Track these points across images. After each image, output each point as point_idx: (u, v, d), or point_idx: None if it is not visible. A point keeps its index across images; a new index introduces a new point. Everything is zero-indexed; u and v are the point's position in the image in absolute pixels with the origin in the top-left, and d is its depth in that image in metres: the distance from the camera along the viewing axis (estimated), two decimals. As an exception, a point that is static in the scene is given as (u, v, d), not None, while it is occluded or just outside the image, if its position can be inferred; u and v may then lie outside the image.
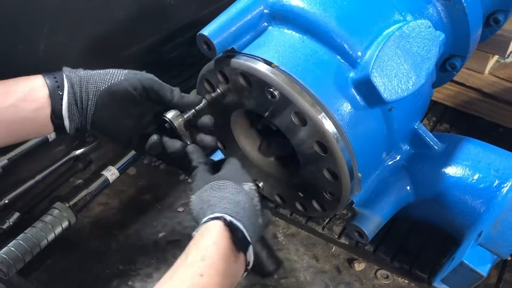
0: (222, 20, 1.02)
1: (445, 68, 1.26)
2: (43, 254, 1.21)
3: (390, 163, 1.16)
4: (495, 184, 1.05)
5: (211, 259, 0.83)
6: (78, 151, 1.48)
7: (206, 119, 1.08)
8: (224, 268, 0.84)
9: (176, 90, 1.04)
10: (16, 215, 1.26)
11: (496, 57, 1.64)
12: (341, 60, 1.01)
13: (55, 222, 1.22)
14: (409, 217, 1.23)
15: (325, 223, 1.30)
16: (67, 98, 0.95)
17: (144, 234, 1.29)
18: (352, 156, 0.99)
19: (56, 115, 0.95)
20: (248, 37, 1.05)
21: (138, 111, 1.03)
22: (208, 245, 0.84)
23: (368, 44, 1.00)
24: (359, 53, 1.00)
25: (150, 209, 1.36)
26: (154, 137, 1.05)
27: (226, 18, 1.02)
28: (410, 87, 0.97)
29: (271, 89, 0.97)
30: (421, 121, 1.16)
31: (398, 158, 1.16)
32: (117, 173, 1.41)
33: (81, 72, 0.99)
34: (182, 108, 1.05)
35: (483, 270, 0.97)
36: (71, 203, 1.28)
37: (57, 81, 0.95)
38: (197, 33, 1.01)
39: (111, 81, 0.98)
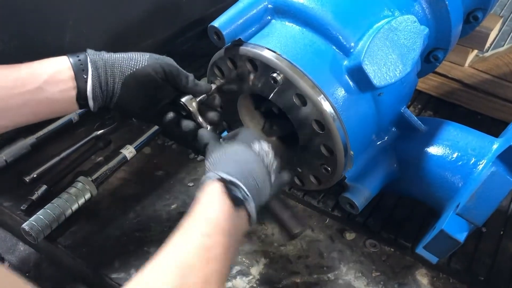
0: (231, 13, 1.04)
1: (429, 59, 1.28)
2: (68, 222, 1.23)
3: (379, 143, 1.18)
4: (472, 161, 1.07)
5: (216, 221, 0.82)
6: (99, 132, 1.49)
7: (215, 101, 1.13)
8: (225, 225, 0.83)
9: (191, 76, 1.06)
10: (44, 187, 1.27)
11: (475, 51, 1.65)
12: (336, 50, 1.03)
13: (79, 194, 1.24)
14: (395, 192, 1.26)
15: (320, 197, 1.33)
16: (91, 81, 0.95)
17: (158, 205, 1.31)
18: (346, 135, 1.02)
19: (81, 96, 0.95)
20: (253, 29, 1.07)
21: (158, 93, 1.04)
22: (211, 204, 0.85)
23: (360, 36, 1.03)
24: (352, 44, 1.02)
25: (163, 184, 1.37)
26: (171, 114, 1.07)
27: (234, 12, 1.04)
28: (398, 75, 0.99)
29: (275, 73, 0.99)
30: (408, 108, 1.17)
31: (386, 138, 1.18)
32: (134, 152, 1.42)
33: (105, 55, 0.98)
34: (194, 93, 1.07)
35: (460, 237, 0.99)
36: (93, 177, 1.29)
37: (81, 64, 0.95)
38: (209, 25, 1.03)
39: (136, 66, 0.98)
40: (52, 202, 1.21)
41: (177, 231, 0.82)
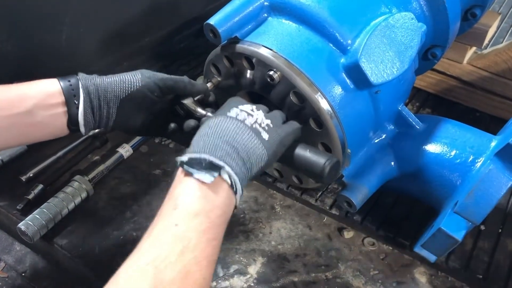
0: (227, 11, 1.04)
1: (427, 57, 1.27)
2: (64, 221, 1.22)
3: (376, 141, 1.17)
4: (470, 159, 1.07)
5: (182, 206, 0.76)
6: (96, 131, 1.49)
7: (210, 98, 1.10)
8: (196, 206, 0.76)
9: (186, 79, 1.04)
10: (40, 186, 1.27)
11: (474, 48, 1.65)
12: (333, 47, 1.03)
13: (75, 193, 1.23)
14: (393, 190, 1.25)
15: (318, 195, 1.32)
16: (83, 107, 0.92)
17: (155, 204, 1.30)
18: (343, 132, 1.01)
19: (72, 122, 0.93)
20: (249, 26, 1.07)
21: (156, 109, 1.02)
22: (177, 191, 0.78)
23: (357, 33, 1.02)
24: (349, 41, 1.02)
25: (160, 183, 1.36)
26: (172, 125, 1.05)
27: (230, 9, 1.04)
28: (395, 72, 0.99)
29: (272, 71, 0.99)
30: (406, 106, 1.17)
31: (383, 136, 1.17)
32: (130, 150, 1.42)
33: (97, 79, 0.95)
34: (193, 94, 1.06)
35: (458, 235, 0.99)
36: (90, 176, 1.29)
37: (73, 89, 0.92)
38: (204, 23, 1.02)
39: (130, 89, 0.96)
40: (48, 201, 1.20)
41: (150, 225, 0.78)
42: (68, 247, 1.19)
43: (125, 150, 1.41)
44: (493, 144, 1.07)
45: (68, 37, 1.43)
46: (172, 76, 1.02)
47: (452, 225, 1.00)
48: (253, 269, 1.16)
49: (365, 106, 1.06)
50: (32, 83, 0.92)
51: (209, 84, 1.13)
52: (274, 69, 0.99)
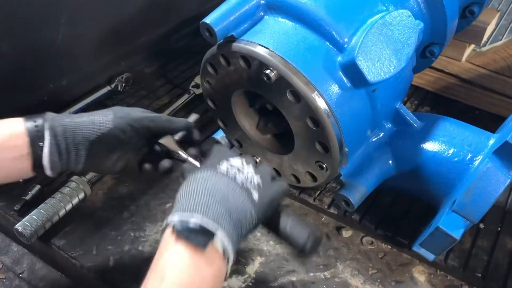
0: (223, 9, 1.03)
1: (425, 54, 1.27)
2: (62, 222, 1.22)
3: (374, 139, 1.16)
4: (468, 157, 1.07)
5: (170, 277, 0.71)
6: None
7: (195, 135, 1.02)
8: (189, 280, 0.71)
9: (164, 116, 0.99)
10: (37, 187, 1.27)
11: (472, 46, 1.64)
12: (330, 45, 1.02)
13: (73, 194, 1.23)
14: (392, 189, 1.25)
15: (316, 195, 1.32)
16: (49, 149, 0.86)
17: (152, 204, 1.30)
18: (341, 131, 1.01)
19: (36, 164, 0.87)
20: (246, 25, 1.06)
21: (128, 147, 0.96)
22: (165, 259, 0.73)
23: (354, 31, 1.02)
24: (346, 39, 1.01)
25: (157, 183, 1.36)
26: (146, 166, 1.00)
27: (226, 8, 1.03)
28: (392, 70, 0.98)
29: (268, 70, 0.98)
30: (404, 104, 1.16)
31: (381, 135, 1.17)
32: (128, 150, 1.42)
33: (65, 119, 0.89)
34: (172, 132, 0.99)
35: (457, 234, 0.99)
36: (87, 177, 1.28)
37: (38, 130, 0.86)
38: (200, 21, 1.02)
39: (101, 130, 0.90)
40: (45, 202, 1.20)
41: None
42: (66, 247, 1.19)
43: (122, 150, 1.40)
44: (491, 142, 1.07)
45: (64, 36, 1.42)
46: (148, 115, 0.97)
47: (450, 223, 1.00)
48: (251, 269, 1.16)
49: (362, 104, 1.06)
50: None
51: (193, 117, 1.09)
52: (271, 68, 0.99)
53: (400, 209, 1.29)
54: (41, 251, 1.24)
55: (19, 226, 1.14)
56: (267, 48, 1.00)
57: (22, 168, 0.87)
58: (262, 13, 1.07)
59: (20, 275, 1.18)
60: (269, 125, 1.22)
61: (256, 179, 0.83)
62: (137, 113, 0.96)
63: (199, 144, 1.02)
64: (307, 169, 1.15)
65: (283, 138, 1.21)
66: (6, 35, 1.27)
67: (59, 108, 1.53)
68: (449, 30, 1.22)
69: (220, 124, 1.28)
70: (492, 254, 1.19)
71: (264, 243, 1.21)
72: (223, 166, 0.83)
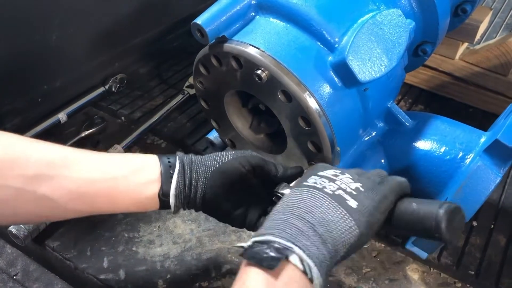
0: (214, 10, 1.03)
1: (417, 53, 1.27)
2: (56, 223, 1.23)
3: (366, 138, 1.17)
4: (459, 156, 1.07)
5: None
6: (87, 132, 1.49)
7: None
8: None
9: (279, 165, 0.97)
10: (32, 189, 1.26)
11: (466, 44, 1.65)
12: (321, 45, 1.02)
13: (67, 195, 1.23)
14: (385, 187, 1.25)
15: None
16: (177, 177, 0.89)
17: (147, 205, 1.30)
18: (332, 131, 1.01)
19: (164, 192, 0.88)
20: (237, 25, 1.06)
21: (246, 188, 0.94)
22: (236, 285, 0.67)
23: (344, 31, 1.02)
24: (337, 39, 1.01)
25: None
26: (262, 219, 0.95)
27: (217, 9, 1.03)
28: (383, 69, 0.98)
29: (260, 70, 0.99)
30: (398, 103, 1.17)
31: (373, 134, 1.17)
32: (122, 151, 1.42)
33: (193, 156, 0.93)
34: (286, 180, 0.97)
35: (448, 232, 0.99)
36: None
37: (169, 162, 0.90)
38: (192, 22, 1.02)
39: (221, 161, 0.92)
40: (39, 203, 1.19)
41: None
42: (60, 249, 1.20)
43: (116, 151, 1.40)
44: (482, 140, 1.07)
45: (57, 38, 1.42)
46: (264, 158, 0.96)
47: (442, 222, 1.00)
48: (245, 269, 1.16)
49: (353, 104, 1.06)
50: (134, 154, 0.92)
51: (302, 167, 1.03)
52: (262, 68, 0.99)
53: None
54: (35, 252, 1.24)
55: (13, 228, 1.14)
56: (258, 49, 1.00)
57: (148, 196, 0.88)
58: (253, 14, 1.08)
59: (14, 277, 1.19)
60: (262, 124, 1.22)
61: (354, 185, 0.76)
62: (253, 153, 0.96)
63: None
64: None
65: (276, 137, 1.21)
66: (-1, 37, 1.28)
67: (53, 109, 1.54)
68: (441, 28, 1.22)
69: (214, 124, 1.29)
70: (485, 252, 1.19)
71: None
72: (311, 180, 0.78)
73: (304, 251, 0.66)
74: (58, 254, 1.19)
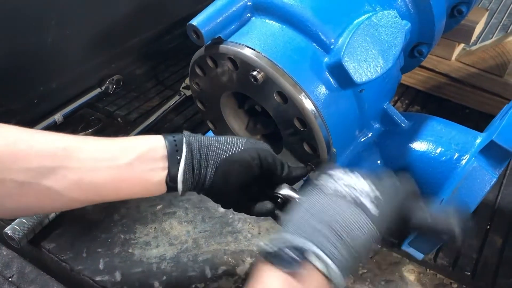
0: (209, 11, 1.03)
1: (413, 54, 1.27)
2: (52, 225, 1.23)
3: (362, 139, 1.17)
4: (455, 157, 1.07)
5: None
6: (84, 133, 1.49)
7: None
8: None
9: (286, 164, 0.96)
10: (27, 190, 1.26)
11: (462, 45, 1.65)
12: (316, 46, 1.02)
13: (63, 196, 1.22)
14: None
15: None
16: (184, 163, 0.86)
17: (143, 207, 1.31)
18: (328, 132, 1.01)
19: (171, 177, 0.86)
20: (233, 27, 1.06)
21: (252, 180, 0.93)
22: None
23: (340, 32, 1.02)
24: (332, 40, 1.02)
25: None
26: (268, 205, 0.96)
27: (213, 10, 1.03)
28: (379, 71, 0.98)
29: (255, 72, 0.99)
30: (395, 104, 1.16)
31: (369, 135, 1.17)
32: (119, 152, 1.42)
33: (201, 137, 0.91)
34: (290, 181, 0.97)
35: (444, 233, 0.99)
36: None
37: (176, 144, 0.87)
38: (187, 23, 1.02)
39: (232, 150, 0.90)
40: (35, 205, 1.19)
41: None
42: (56, 250, 1.20)
43: (113, 152, 1.40)
44: (478, 141, 1.07)
45: (54, 39, 1.42)
46: (274, 154, 0.95)
47: (438, 222, 1.00)
48: (242, 270, 1.16)
49: (349, 105, 1.06)
50: (137, 137, 0.89)
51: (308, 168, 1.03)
52: (258, 70, 0.99)
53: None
54: (31, 254, 1.24)
55: (8, 230, 1.14)
56: (254, 50, 1.00)
57: (154, 182, 0.86)
58: (249, 15, 1.08)
59: (10, 279, 1.18)
60: (258, 126, 1.22)
61: (373, 192, 0.78)
62: (265, 145, 0.95)
63: None
64: (296, 170, 1.15)
65: (272, 138, 1.21)
66: (-5, 39, 1.28)
67: (49, 110, 1.54)
68: (437, 29, 1.22)
69: (210, 125, 1.29)
70: (481, 252, 1.19)
71: (254, 243, 1.21)
72: (331, 185, 0.80)
73: (325, 251, 0.68)
74: (54, 256, 1.19)
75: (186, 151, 0.87)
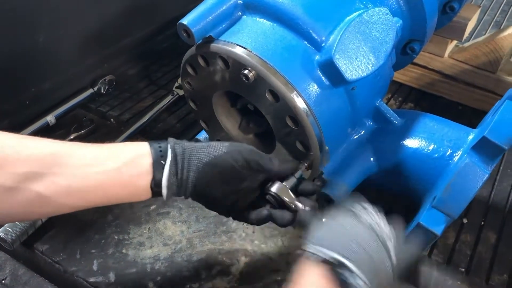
0: (200, 10, 1.03)
1: (405, 51, 1.27)
2: (45, 226, 1.22)
3: (355, 137, 1.17)
4: (447, 153, 1.07)
5: None
6: (76, 134, 1.49)
7: (309, 186, 1.01)
8: None
9: (275, 159, 0.97)
10: (20, 192, 1.26)
11: (454, 41, 1.65)
12: (308, 44, 1.02)
13: (56, 198, 1.22)
14: (374, 186, 1.25)
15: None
16: (169, 168, 0.89)
17: (136, 207, 1.30)
18: (320, 130, 1.01)
19: (155, 183, 0.89)
20: (224, 25, 1.06)
21: (240, 184, 0.94)
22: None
23: (331, 29, 1.02)
24: (323, 38, 1.02)
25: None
26: (264, 212, 0.97)
27: (203, 9, 1.03)
28: (370, 68, 0.98)
29: (247, 70, 0.99)
30: (388, 101, 1.16)
31: (362, 132, 1.17)
32: (111, 153, 1.41)
33: (185, 143, 0.93)
34: (283, 175, 0.98)
35: (438, 230, 0.99)
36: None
37: (161, 150, 0.90)
38: (178, 22, 1.02)
39: (214, 154, 0.92)
40: (28, 207, 1.19)
41: None
42: (49, 252, 1.19)
43: (105, 153, 1.39)
44: (470, 137, 1.08)
45: (45, 39, 1.42)
46: (257, 151, 0.96)
47: (431, 219, 1.00)
48: (236, 269, 1.16)
49: (341, 102, 1.06)
50: (125, 143, 0.92)
51: (302, 167, 1.03)
52: (249, 68, 0.99)
53: (384, 207, 1.28)
54: (24, 256, 1.23)
55: (1, 232, 1.14)
56: (245, 48, 1.00)
57: (141, 187, 0.89)
58: (240, 13, 1.08)
59: (3, 282, 1.18)
60: (251, 125, 1.22)
61: (393, 240, 0.82)
62: (249, 146, 0.97)
63: (313, 194, 1.02)
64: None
65: (265, 137, 1.21)
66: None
67: (41, 112, 1.53)
68: (429, 26, 1.22)
69: (203, 125, 1.28)
70: (475, 249, 1.19)
71: (249, 243, 1.21)
72: (366, 216, 0.84)
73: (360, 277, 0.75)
74: (47, 258, 1.18)
75: (171, 157, 0.89)
